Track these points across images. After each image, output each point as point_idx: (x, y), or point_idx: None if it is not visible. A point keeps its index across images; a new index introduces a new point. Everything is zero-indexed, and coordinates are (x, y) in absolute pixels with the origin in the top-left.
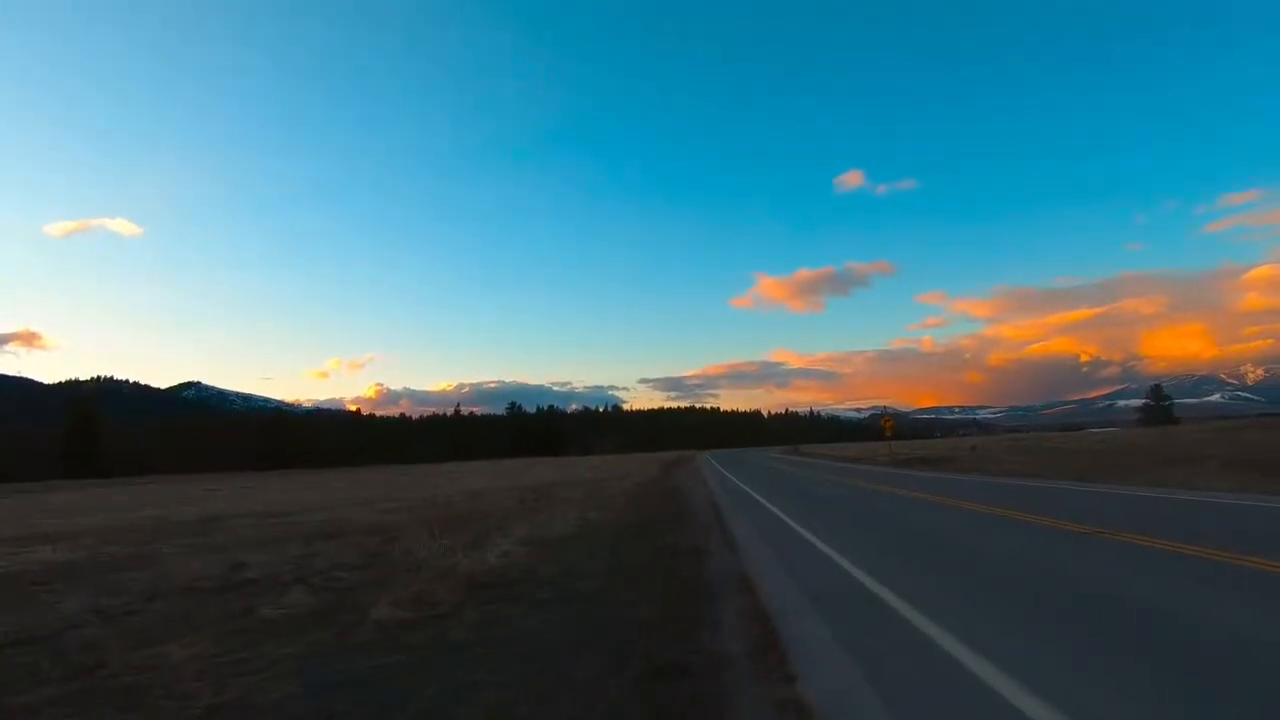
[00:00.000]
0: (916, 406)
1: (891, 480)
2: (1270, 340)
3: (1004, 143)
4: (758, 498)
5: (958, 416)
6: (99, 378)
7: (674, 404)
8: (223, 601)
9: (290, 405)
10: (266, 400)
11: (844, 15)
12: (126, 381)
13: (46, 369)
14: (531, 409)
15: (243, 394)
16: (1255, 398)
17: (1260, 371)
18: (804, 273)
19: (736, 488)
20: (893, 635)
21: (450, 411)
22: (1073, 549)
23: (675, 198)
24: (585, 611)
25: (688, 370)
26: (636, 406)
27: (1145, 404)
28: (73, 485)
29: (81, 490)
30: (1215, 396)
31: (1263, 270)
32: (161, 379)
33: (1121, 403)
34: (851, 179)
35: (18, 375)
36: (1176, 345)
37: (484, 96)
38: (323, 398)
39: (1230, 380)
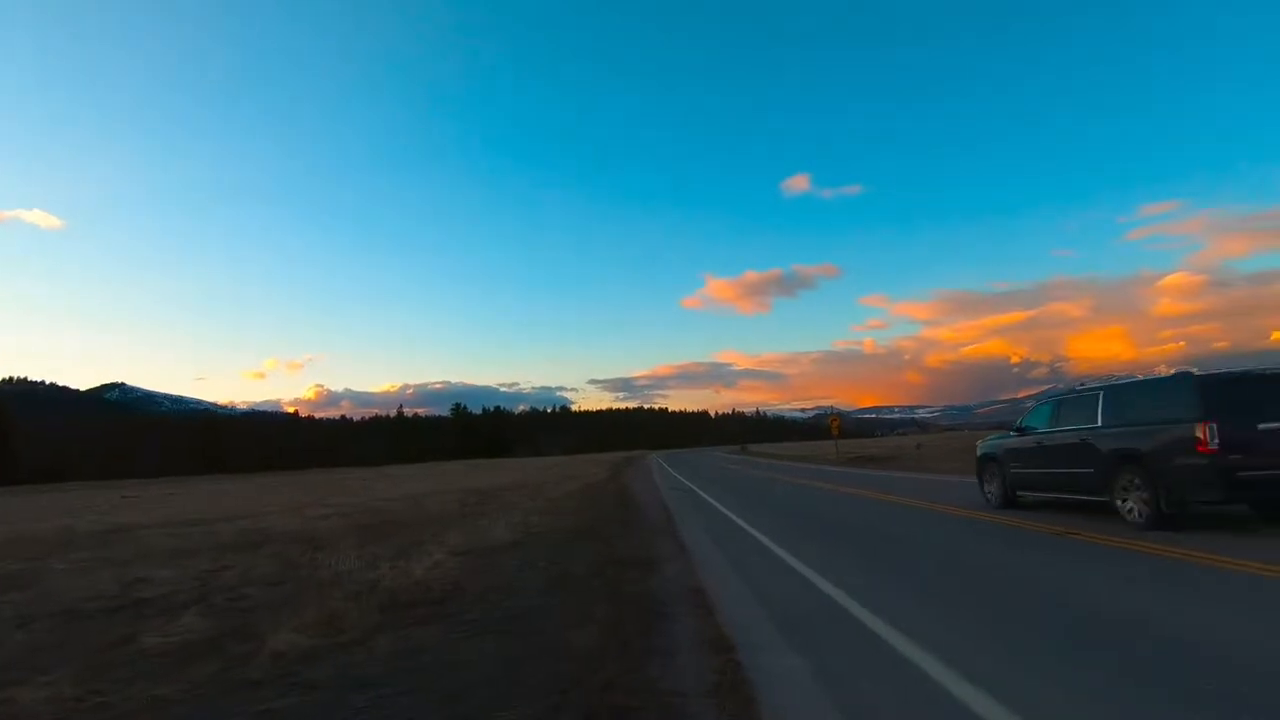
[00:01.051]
0: (859, 406)
1: (846, 480)
2: (1182, 343)
3: (945, 151)
4: (710, 500)
5: (898, 416)
6: (11, 379)
7: (623, 404)
8: (105, 627)
9: (224, 407)
10: (199, 402)
11: (793, 22)
12: (42, 383)
13: None
14: (478, 410)
15: (173, 396)
16: None
17: (1172, 373)
18: (752, 274)
19: (687, 489)
20: (883, 668)
21: (393, 413)
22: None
23: (625, 198)
24: (518, 638)
25: (637, 371)
26: (585, 407)
27: None
28: None
29: None
30: None
31: (1176, 277)
32: (82, 380)
33: None
34: (798, 183)
35: None
36: (1099, 347)
37: (426, 93)
38: (259, 399)
39: None
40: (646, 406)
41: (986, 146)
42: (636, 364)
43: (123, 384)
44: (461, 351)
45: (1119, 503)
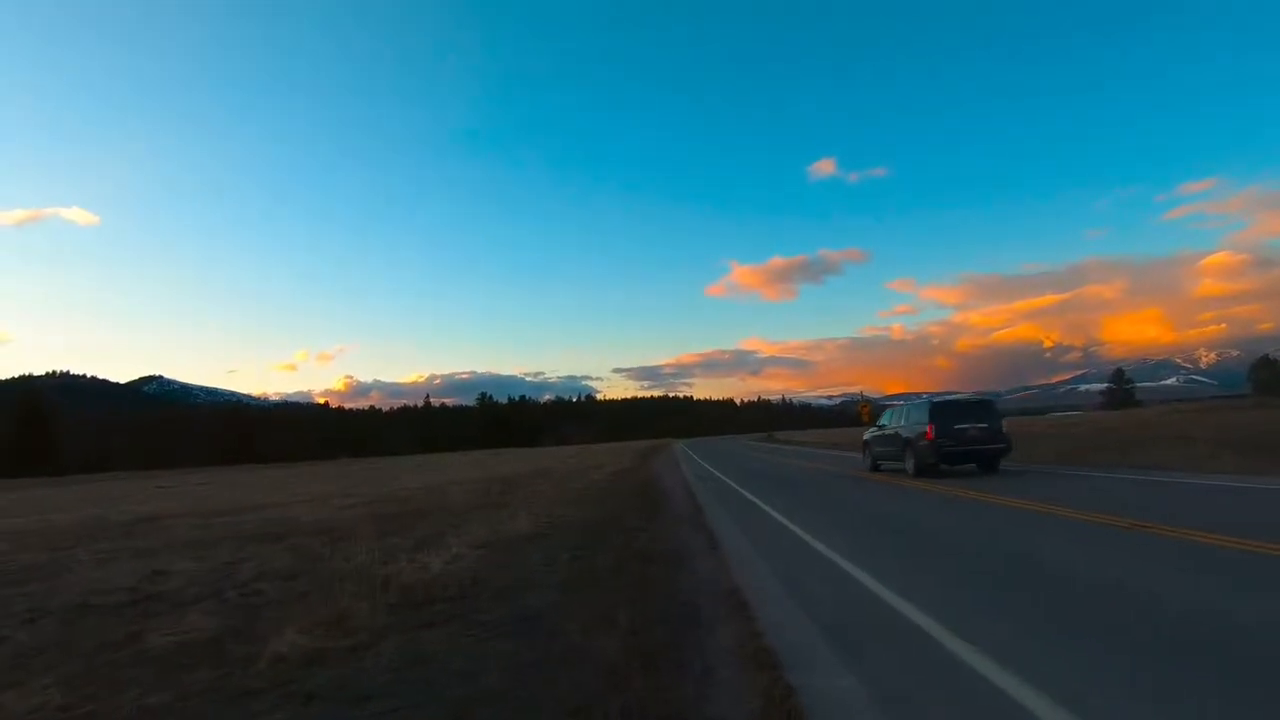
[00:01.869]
0: (887, 393)
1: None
2: (1223, 325)
3: (972, 131)
4: (739, 490)
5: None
6: (55, 372)
7: (647, 393)
8: (113, 624)
9: (256, 399)
10: (232, 394)
11: (818, 4)
12: (84, 376)
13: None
14: (504, 400)
15: (207, 388)
16: (1209, 381)
17: (1213, 355)
18: (778, 260)
19: (715, 478)
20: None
21: (421, 403)
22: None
23: (650, 186)
24: (534, 643)
25: (661, 359)
26: (610, 396)
27: (1108, 387)
28: (19, 485)
29: (26, 490)
30: (1171, 380)
31: (1217, 257)
32: (122, 373)
33: (1083, 387)
34: (824, 167)
35: None
36: (1135, 330)
37: (457, 85)
38: (290, 391)
39: (1185, 364)
40: (671, 395)
41: (1016, 126)
42: (661, 352)
43: (160, 377)
44: (487, 342)
45: (904, 465)
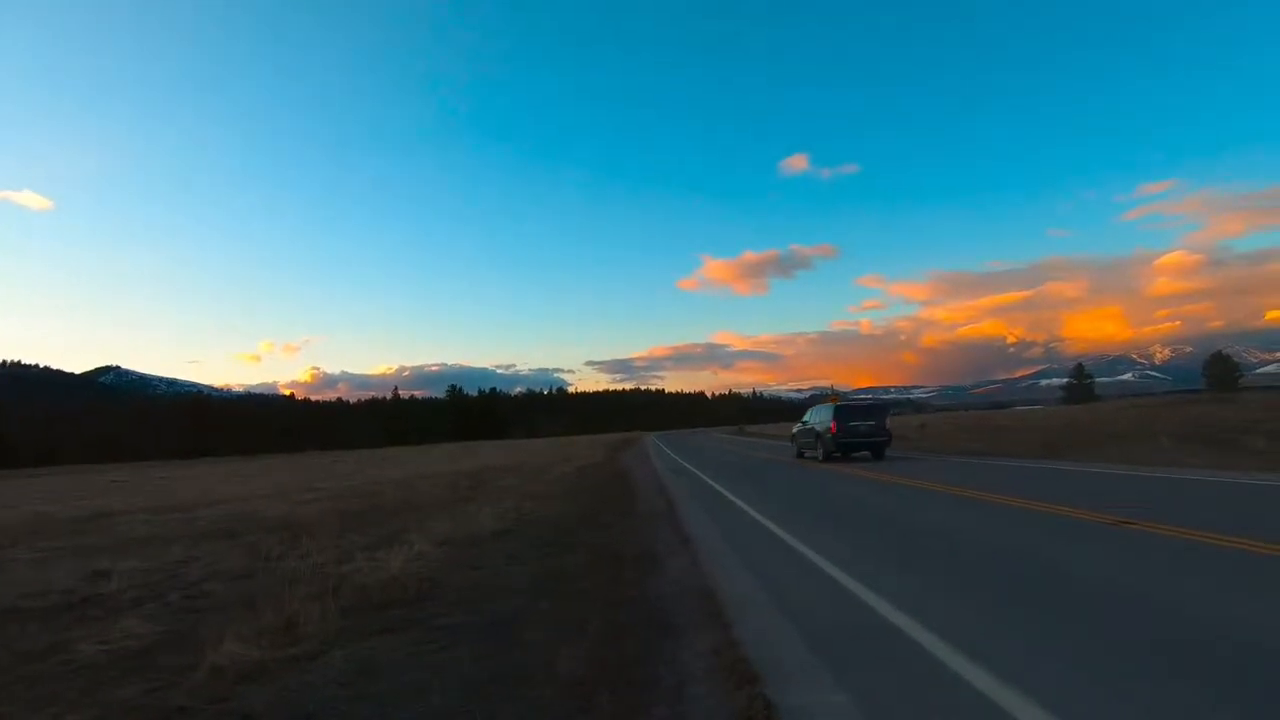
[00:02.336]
0: (855, 386)
1: (851, 463)
2: (1178, 322)
3: (942, 131)
4: (713, 484)
5: (894, 396)
6: (6, 362)
7: (619, 386)
8: (42, 631)
9: (220, 390)
10: (194, 385)
11: (792, 2)
12: (37, 366)
13: None
14: (474, 392)
15: (167, 379)
16: (1163, 376)
17: (1167, 352)
18: (750, 255)
19: (688, 472)
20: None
21: (389, 395)
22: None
23: (624, 180)
24: (495, 653)
25: (634, 352)
26: (582, 389)
27: (1068, 382)
28: None
29: None
30: (1127, 375)
31: (1173, 256)
32: (77, 363)
33: (1044, 382)
34: (797, 162)
35: None
36: (1094, 327)
37: (424, 75)
38: (254, 382)
39: (1141, 360)
40: (643, 388)
41: (983, 126)
42: (633, 345)
43: (118, 367)
44: (458, 334)
45: (815, 454)
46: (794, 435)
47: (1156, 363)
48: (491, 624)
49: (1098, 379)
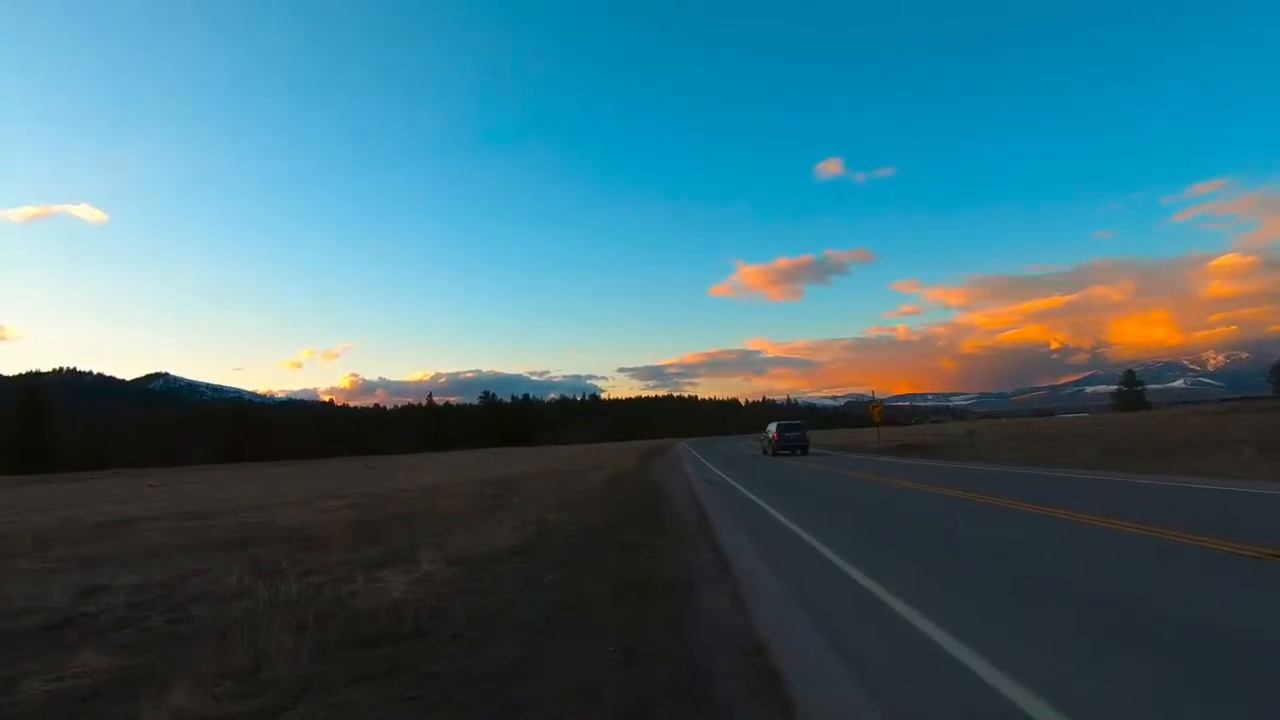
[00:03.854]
0: (892, 393)
1: (908, 473)
2: (1233, 327)
3: (979, 131)
4: (749, 495)
5: (931, 403)
6: (62, 369)
7: (652, 393)
8: (2, 660)
9: (262, 396)
10: (238, 391)
11: (825, 4)
12: (90, 373)
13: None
14: (507, 398)
15: (213, 385)
16: (1216, 383)
17: (1221, 358)
18: (783, 261)
19: (722, 482)
20: None
21: (425, 401)
22: None
23: (656, 187)
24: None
25: (666, 359)
26: (614, 395)
27: (1118, 389)
28: (13, 482)
29: (17, 488)
30: (1178, 382)
31: (1227, 259)
32: (128, 370)
33: (1089, 389)
34: (831, 166)
35: None
36: (1142, 332)
37: (461, 85)
38: (296, 388)
39: (1193, 366)
40: (676, 394)
41: (1023, 126)
42: (666, 352)
43: (167, 374)
44: (493, 341)
45: (768, 453)
46: (761, 440)
47: (1210, 369)
48: (488, 676)
49: (1149, 385)
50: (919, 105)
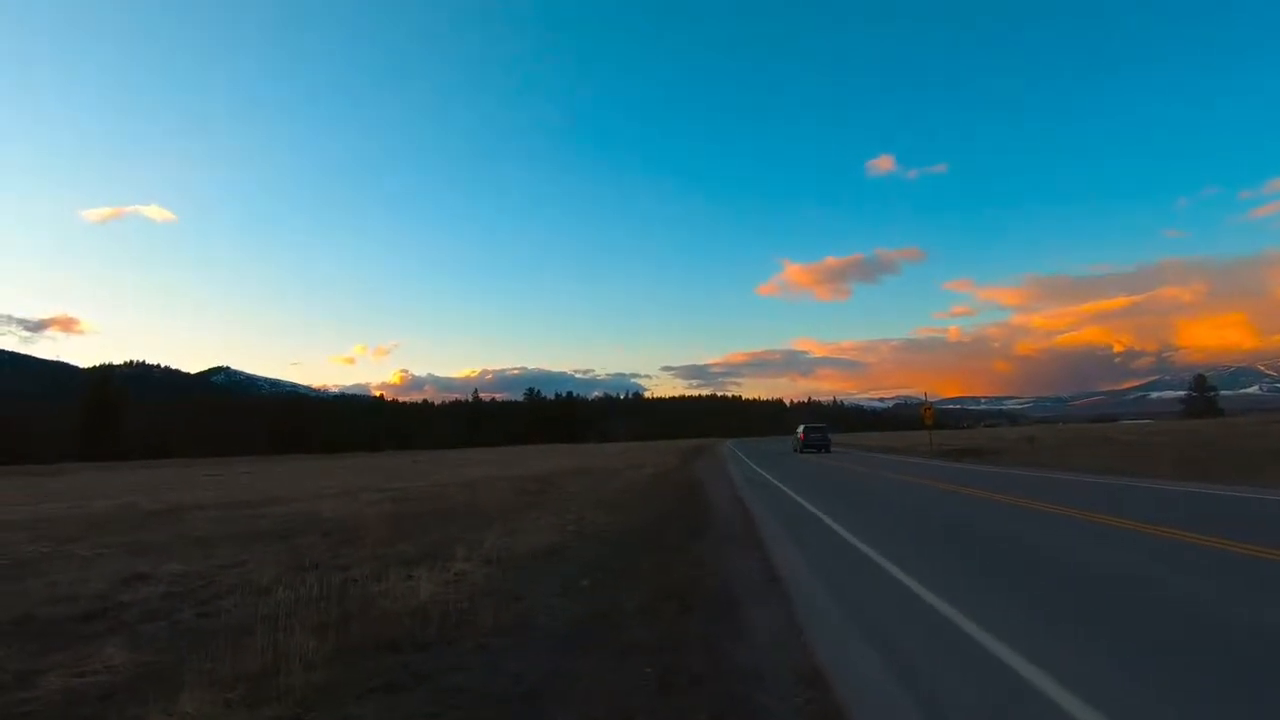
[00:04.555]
0: (942, 396)
1: (969, 479)
2: None
3: (1038, 127)
4: (800, 500)
5: (984, 407)
6: (132, 362)
7: (696, 392)
8: (29, 652)
9: (317, 390)
10: (294, 386)
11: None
12: (158, 366)
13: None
14: (551, 395)
15: (271, 379)
16: None
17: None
18: (831, 260)
19: (767, 484)
20: None
21: (470, 397)
22: None
23: (704, 185)
24: None
25: (711, 358)
26: (658, 394)
27: (1187, 395)
28: (82, 468)
29: (84, 474)
30: (1253, 388)
31: None
32: (193, 364)
33: (1155, 394)
34: (883, 163)
35: (55, 359)
36: (1214, 335)
37: (509, 86)
38: (349, 383)
39: (1269, 372)
40: (720, 394)
41: (1085, 120)
42: (710, 351)
43: (228, 368)
44: (539, 338)
45: (796, 451)
46: (791, 439)
47: None
48: (511, 697)
49: (1221, 392)
50: (973, 99)
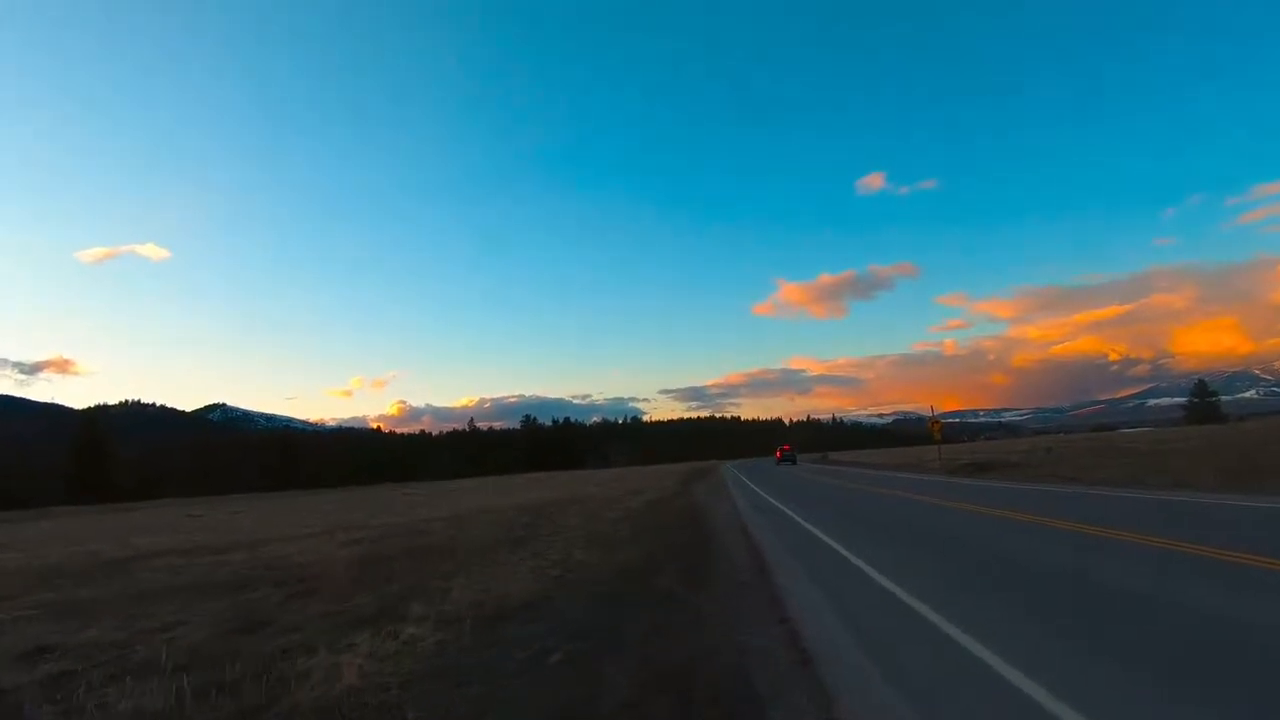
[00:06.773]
0: (941, 410)
1: (1010, 500)
2: None
3: (1025, 140)
4: (816, 533)
5: (983, 419)
6: (127, 402)
7: (694, 414)
8: None
9: (313, 424)
10: (291, 420)
11: (863, 16)
12: (153, 405)
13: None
14: (549, 422)
15: (267, 414)
16: None
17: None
18: (825, 277)
19: (775, 511)
20: None
21: (466, 427)
22: None
23: (695, 205)
24: None
25: (708, 379)
26: (657, 417)
27: (1188, 401)
28: (61, 513)
29: (68, 517)
30: (1250, 392)
31: None
32: (188, 401)
33: (1152, 401)
34: (873, 181)
35: (51, 401)
36: (1208, 340)
37: (500, 114)
38: (346, 416)
39: (1265, 375)
40: (718, 415)
41: (1071, 132)
42: (708, 373)
43: (224, 404)
44: (535, 365)
45: (782, 464)
46: (776, 458)
47: None
48: None
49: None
50: (962, 116)
